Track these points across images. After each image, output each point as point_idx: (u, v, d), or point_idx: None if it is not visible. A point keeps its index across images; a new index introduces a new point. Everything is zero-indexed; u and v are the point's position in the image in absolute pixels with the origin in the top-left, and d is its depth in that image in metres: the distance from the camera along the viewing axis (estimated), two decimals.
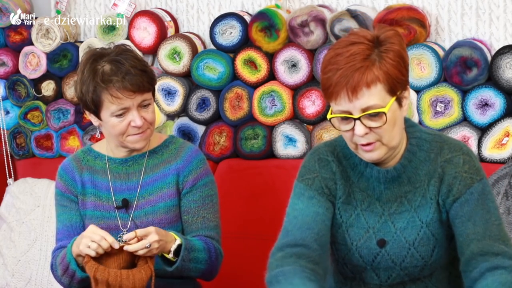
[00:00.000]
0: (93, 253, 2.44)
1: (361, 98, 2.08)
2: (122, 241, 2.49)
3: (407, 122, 2.26)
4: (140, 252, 2.44)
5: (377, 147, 2.14)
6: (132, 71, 2.58)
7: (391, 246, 2.22)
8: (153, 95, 2.70)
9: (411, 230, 2.21)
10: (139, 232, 2.44)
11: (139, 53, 3.51)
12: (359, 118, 2.10)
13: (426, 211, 2.21)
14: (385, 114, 2.10)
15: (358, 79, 2.07)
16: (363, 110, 2.09)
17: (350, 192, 2.26)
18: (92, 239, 2.44)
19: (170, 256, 2.54)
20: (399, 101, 2.15)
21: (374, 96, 2.09)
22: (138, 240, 2.44)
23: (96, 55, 2.63)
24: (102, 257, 2.46)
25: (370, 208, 2.24)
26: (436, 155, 2.21)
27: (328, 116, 2.15)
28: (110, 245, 2.45)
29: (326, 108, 3.34)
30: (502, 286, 2.03)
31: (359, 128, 2.10)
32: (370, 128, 2.11)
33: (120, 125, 2.63)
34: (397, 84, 2.12)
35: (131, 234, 2.44)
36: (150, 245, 2.44)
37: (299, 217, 2.21)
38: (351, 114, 2.10)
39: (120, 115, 2.61)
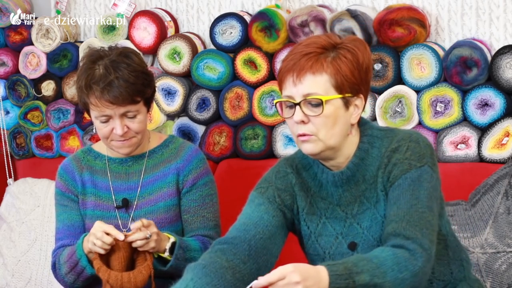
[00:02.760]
0: (100, 250, 2.45)
1: (304, 83, 2.12)
2: (130, 229, 2.50)
3: (360, 120, 2.26)
4: (139, 243, 2.45)
5: (312, 140, 2.16)
6: (116, 83, 2.55)
7: (362, 247, 2.21)
8: (147, 104, 2.67)
9: (375, 227, 2.20)
10: (145, 221, 2.46)
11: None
12: (299, 103, 2.13)
13: (381, 205, 2.20)
14: (323, 104, 2.12)
15: (304, 63, 2.12)
16: (305, 97, 2.12)
17: (312, 202, 2.28)
18: (96, 237, 2.45)
19: (166, 254, 2.55)
20: (346, 103, 2.16)
21: (318, 84, 2.12)
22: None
23: (95, 56, 2.62)
24: (108, 252, 2.47)
25: (334, 215, 2.25)
26: (386, 148, 2.21)
27: (275, 101, 2.20)
28: (115, 239, 2.46)
29: None
30: (394, 258, 2.03)
31: (297, 114, 2.13)
32: (308, 118, 2.13)
33: (104, 129, 2.63)
34: (345, 83, 2.13)
35: (138, 224, 2.45)
36: (150, 235, 2.45)
37: (242, 220, 2.26)
38: (291, 99, 2.14)
39: (103, 121, 2.61)
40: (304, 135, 2.15)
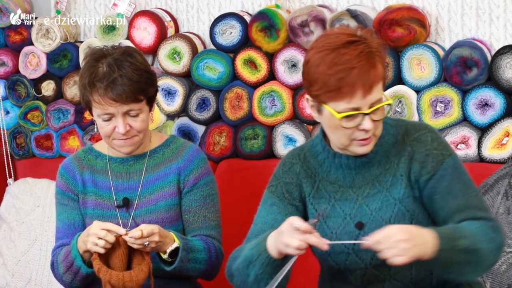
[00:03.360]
0: (102, 250, 2.45)
1: (373, 94, 2.16)
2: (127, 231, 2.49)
3: None
4: (135, 246, 2.45)
5: (371, 140, 2.23)
6: (119, 81, 2.56)
7: (369, 226, 2.26)
8: (149, 103, 2.67)
9: (386, 209, 2.26)
10: (145, 232, 2.44)
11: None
12: (368, 113, 2.17)
13: (398, 188, 2.26)
14: (390, 106, 2.22)
15: (373, 76, 2.15)
16: (371, 105, 2.16)
17: (320, 186, 2.33)
18: (98, 236, 2.44)
19: (165, 256, 2.55)
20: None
21: (379, 90, 2.19)
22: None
23: (98, 54, 2.62)
24: (107, 251, 2.47)
25: (344, 197, 2.31)
26: (402, 136, 2.30)
27: (338, 116, 2.16)
28: (116, 235, 2.46)
29: None
30: (481, 230, 2.14)
31: (368, 123, 2.17)
32: (374, 122, 2.19)
33: (106, 128, 2.63)
34: (385, 83, 2.24)
35: (137, 233, 2.44)
36: (148, 244, 2.45)
37: (259, 225, 2.33)
38: (358, 110, 2.16)
39: (106, 120, 2.61)
40: (367, 138, 2.21)
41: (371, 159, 2.28)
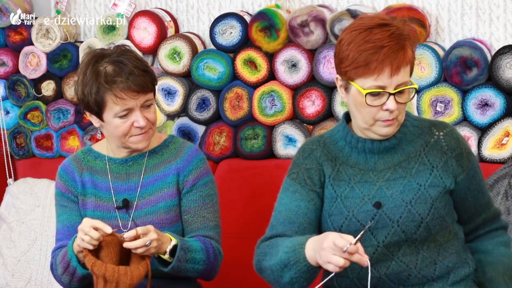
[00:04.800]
0: (88, 246, 2.44)
1: (399, 75, 2.24)
2: (123, 237, 2.48)
3: None
4: (139, 251, 2.44)
5: (394, 122, 2.30)
6: (135, 72, 2.59)
7: (388, 206, 2.33)
8: (154, 95, 2.71)
9: (408, 192, 2.33)
10: (140, 230, 2.44)
11: (139, 53, 3.52)
12: (394, 94, 2.24)
13: (426, 176, 2.35)
14: (415, 91, 2.30)
15: (402, 57, 2.23)
16: (397, 86, 2.24)
17: (340, 169, 2.39)
18: (84, 232, 2.44)
19: (166, 256, 2.54)
20: None
21: (407, 74, 2.27)
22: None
23: (97, 56, 2.63)
24: (97, 249, 2.46)
25: (364, 179, 2.36)
26: (429, 128, 2.40)
27: (363, 91, 2.24)
28: (103, 234, 2.45)
29: (326, 108, 3.34)
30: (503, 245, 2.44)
31: (392, 103, 2.25)
32: (398, 104, 2.26)
33: (123, 126, 2.63)
34: (412, 69, 2.30)
35: (131, 233, 2.44)
36: (150, 243, 2.44)
37: (283, 212, 2.37)
38: (384, 89, 2.24)
39: (123, 116, 2.62)
40: (389, 119, 2.28)
41: (394, 145, 2.35)
